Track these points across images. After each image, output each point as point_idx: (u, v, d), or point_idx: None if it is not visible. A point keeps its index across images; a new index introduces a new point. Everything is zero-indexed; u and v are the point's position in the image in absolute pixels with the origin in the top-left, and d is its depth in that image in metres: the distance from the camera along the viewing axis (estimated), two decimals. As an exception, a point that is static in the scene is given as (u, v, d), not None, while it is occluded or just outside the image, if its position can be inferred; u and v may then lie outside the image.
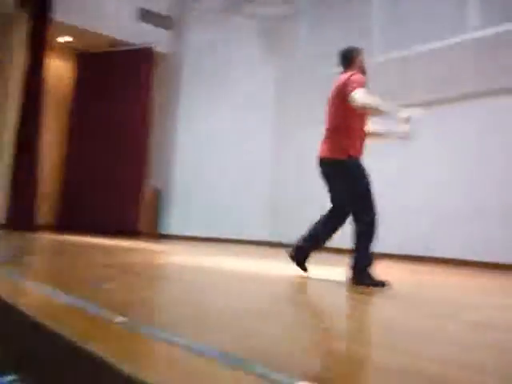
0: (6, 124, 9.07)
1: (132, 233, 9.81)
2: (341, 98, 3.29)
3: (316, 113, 9.23)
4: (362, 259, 3.29)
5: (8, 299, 1.82)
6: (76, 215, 10.04)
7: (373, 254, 3.33)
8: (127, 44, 10.17)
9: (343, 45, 3.66)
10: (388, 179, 7.18)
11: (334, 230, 3.52)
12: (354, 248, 3.34)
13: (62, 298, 1.89)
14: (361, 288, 3.20)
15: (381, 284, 3.20)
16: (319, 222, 3.54)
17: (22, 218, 8.77)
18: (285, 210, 9.70)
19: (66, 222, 10.10)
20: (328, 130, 3.45)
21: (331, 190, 3.51)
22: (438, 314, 2.39)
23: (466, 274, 5.55)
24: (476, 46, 6.89)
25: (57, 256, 4.29)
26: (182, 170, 9.96)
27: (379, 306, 2.77)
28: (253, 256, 6.56)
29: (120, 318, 1.58)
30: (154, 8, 10.44)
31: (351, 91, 3.17)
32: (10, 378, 1.46)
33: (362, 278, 3.26)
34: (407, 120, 3.21)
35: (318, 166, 3.50)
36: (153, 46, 10.06)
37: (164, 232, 9.99)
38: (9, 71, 9.17)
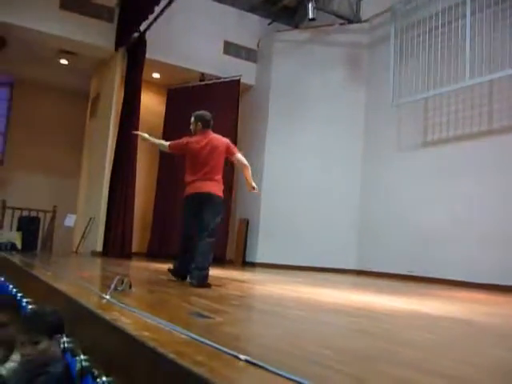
0: (105, 159, 9.61)
1: (219, 261, 9.96)
2: (226, 154, 4.94)
3: (405, 141, 9.03)
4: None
5: (133, 332, 1.88)
6: (165, 244, 10.36)
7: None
8: (215, 77, 10.53)
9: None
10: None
11: None
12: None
13: (181, 333, 1.93)
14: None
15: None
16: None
17: (117, 247, 9.19)
18: (372, 237, 9.47)
19: (156, 251, 10.47)
20: (216, 175, 4.89)
21: (199, 217, 4.70)
22: None
23: None
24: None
25: (160, 286, 4.44)
26: (269, 198, 9.90)
27: None
28: (343, 286, 6.42)
29: (244, 356, 1.58)
30: (240, 42, 10.80)
31: (237, 152, 5.00)
32: None
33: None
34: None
35: (201, 198, 4.76)
36: (239, 77, 10.33)
37: (251, 260, 10.06)
38: (108, 108, 9.76)
